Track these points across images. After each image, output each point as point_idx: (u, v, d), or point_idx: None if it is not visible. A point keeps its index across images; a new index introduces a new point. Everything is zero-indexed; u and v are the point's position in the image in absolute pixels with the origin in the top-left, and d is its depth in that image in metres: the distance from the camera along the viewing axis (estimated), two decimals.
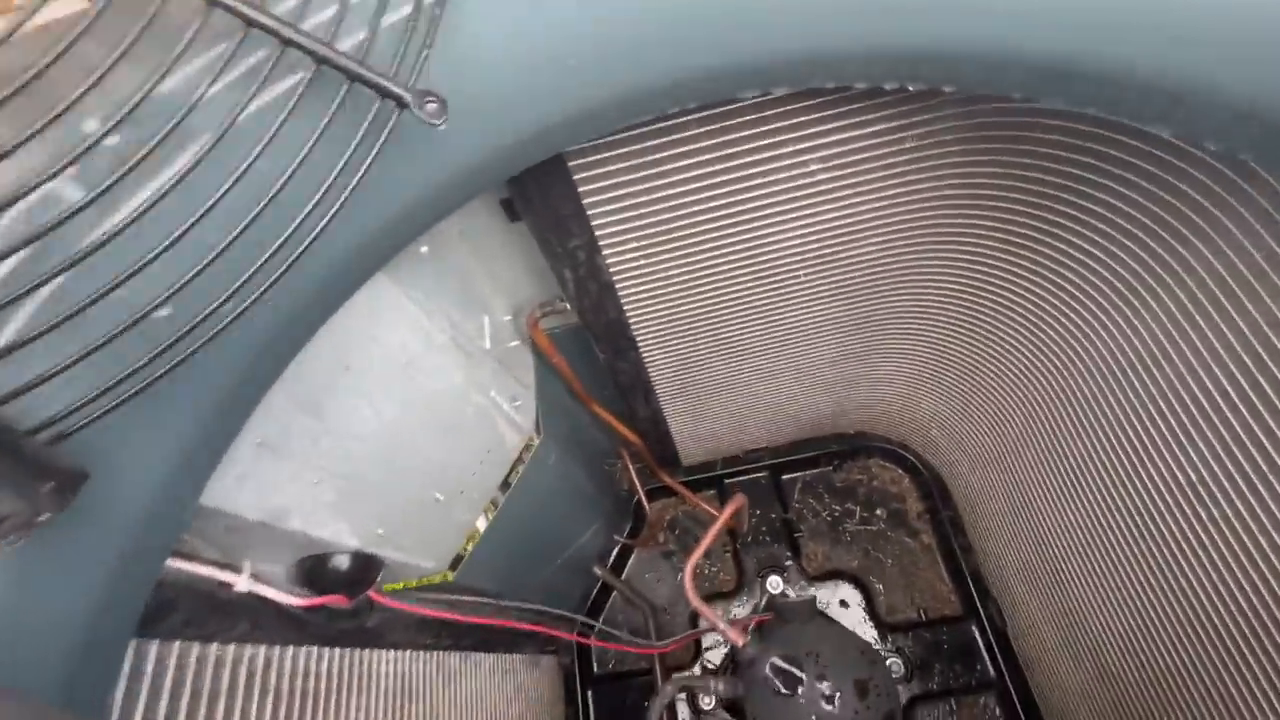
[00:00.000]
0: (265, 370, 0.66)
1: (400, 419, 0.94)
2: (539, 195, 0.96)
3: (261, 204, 0.52)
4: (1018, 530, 1.69)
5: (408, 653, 1.17)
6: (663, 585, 2.24)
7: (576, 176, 0.95)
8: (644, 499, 2.12)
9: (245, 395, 0.63)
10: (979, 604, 1.95)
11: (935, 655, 1.95)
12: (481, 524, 1.30)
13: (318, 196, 0.53)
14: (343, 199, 0.55)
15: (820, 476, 2.25)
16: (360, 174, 0.55)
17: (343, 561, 0.99)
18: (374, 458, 0.93)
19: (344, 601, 1.00)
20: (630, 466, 2.02)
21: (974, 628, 1.95)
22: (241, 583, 0.81)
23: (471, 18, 0.59)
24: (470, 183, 0.70)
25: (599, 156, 0.94)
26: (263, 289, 0.53)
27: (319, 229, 0.55)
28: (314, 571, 0.97)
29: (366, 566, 1.04)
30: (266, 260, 0.53)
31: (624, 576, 2.24)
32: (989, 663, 1.91)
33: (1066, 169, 1.01)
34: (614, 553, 2.21)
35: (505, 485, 1.40)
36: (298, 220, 0.53)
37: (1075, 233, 1.11)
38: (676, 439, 2.02)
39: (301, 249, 0.54)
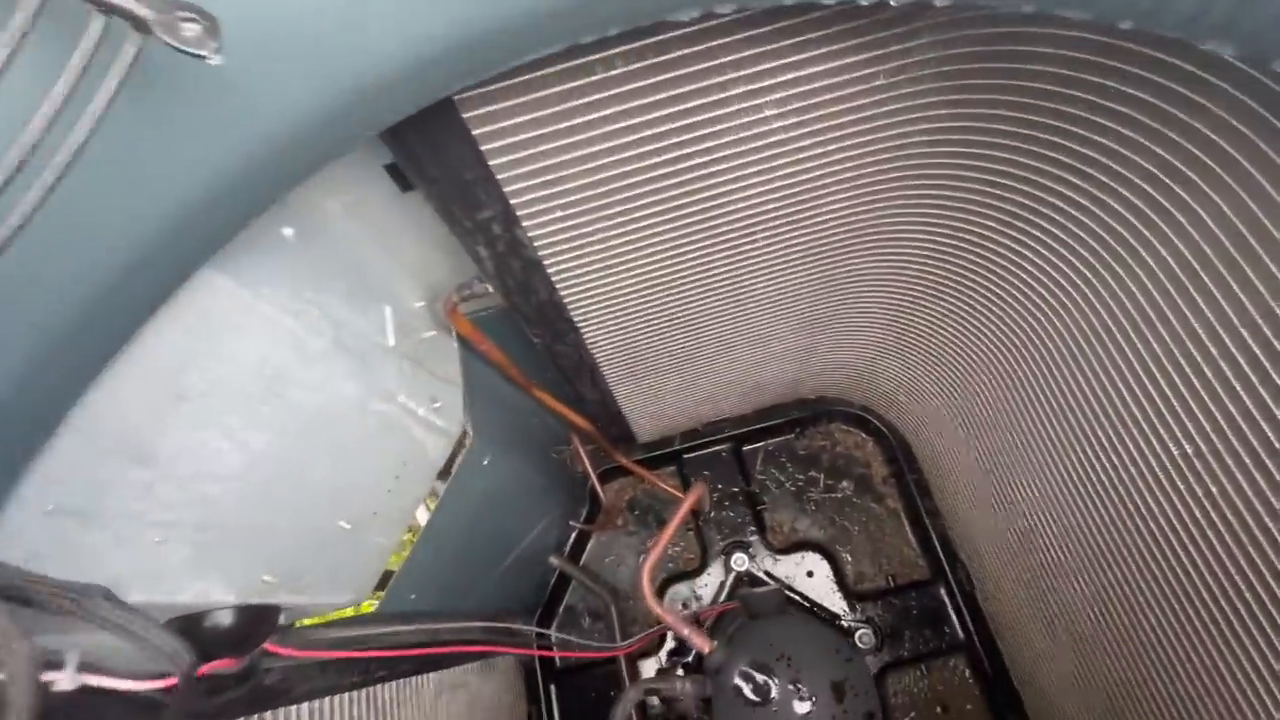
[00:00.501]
0: (20, 422, 0.47)
1: (275, 447, 0.76)
2: (432, 158, 0.77)
3: None
4: (986, 494, 1.62)
5: (327, 701, 1.02)
6: (624, 569, 2.13)
7: (476, 131, 0.76)
8: (598, 485, 1.98)
9: None
10: (947, 567, 1.90)
11: (905, 621, 1.91)
12: (407, 542, 1.14)
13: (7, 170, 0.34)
14: (56, 174, 0.35)
15: (783, 445, 2.15)
16: (85, 134, 0.36)
17: (224, 618, 0.82)
18: (243, 497, 0.74)
19: (231, 664, 0.83)
20: (582, 451, 1.87)
21: (943, 591, 1.91)
22: (65, 679, 0.63)
23: None
24: (305, 145, 0.51)
25: (503, 105, 0.74)
26: None
27: (28, 215, 0.36)
28: (187, 636, 0.79)
29: (258, 618, 0.86)
30: None
31: (583, 562, 2.11)
32: (958, 626, 1.88)
33: (1057, 106, 0.86)
34: (571, 539, 2.08)
35: (435, 494, 1.23)
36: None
37: (1062, 180, 0.98)
38: (630, 418, 1.87)
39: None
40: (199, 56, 0.35)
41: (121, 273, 0.47)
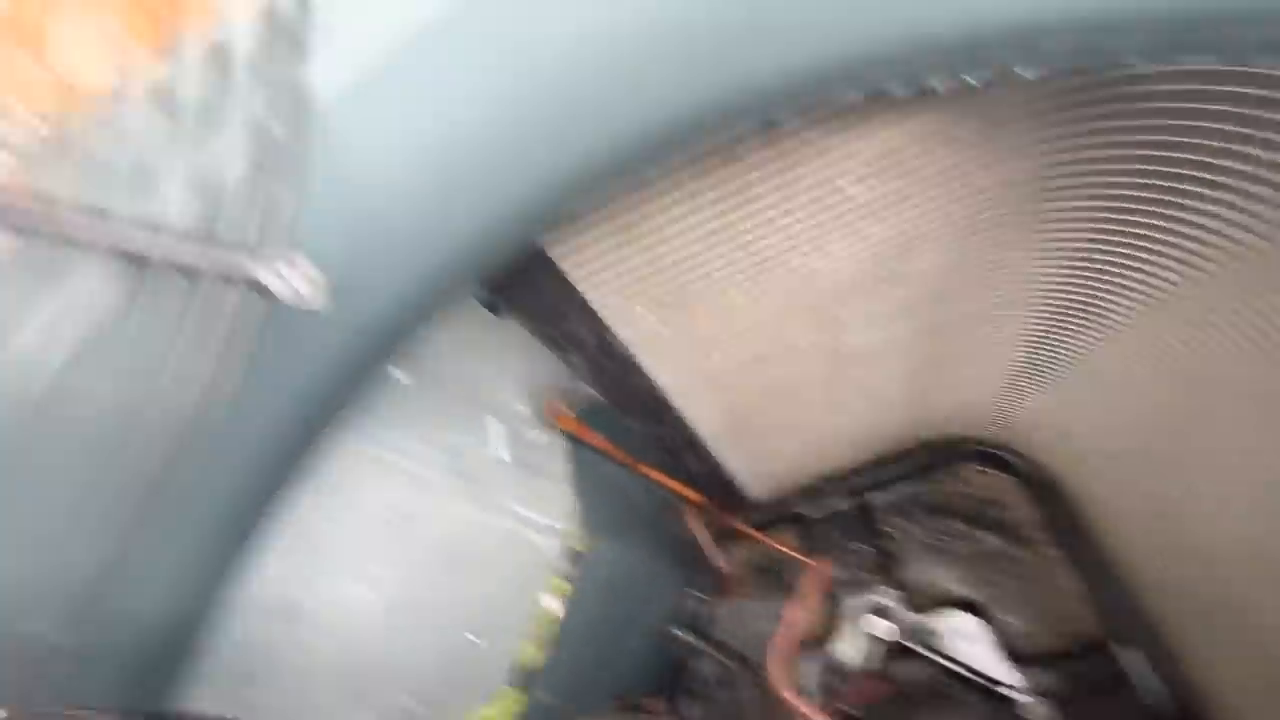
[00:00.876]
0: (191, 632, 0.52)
1: (406, 580, 0.80)
2: (521, 292, 0.81)
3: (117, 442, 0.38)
4: (1167, 541, 1.40)
5: None
6: (753, 636, 2.05)
7: (561, 263, 0.79)
8: (717, 553, 1.93)
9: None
10: (1125, 625, 1.66)
11: (1080, 690, 1.68)
12: (531, 643, 1.16)
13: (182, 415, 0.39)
14: (203, 408, 0.40)
15: (911, 494, 2.00)
16: (232, 375, 0.40)
17: None
18: (381, 632, 0.79)
19: None
20: (697, 521, 1.84)
21: (1124, 653, 1.66)
22: None
23: (349, 144, 0.43)
24: (402, 325, 0.55)
25: (584, 238, 0.77)
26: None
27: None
28: None
29: None
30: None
31: (710, 634, 2.05)
32: (1150, 696, 1.62)
33: (1181, 139, 0.77)
34: (695, 610, 2.03)
35: (558, 592, 1.25)
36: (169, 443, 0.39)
37: (1195, 195, 0.86)
38: (741, 483, 1.82)
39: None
40: (308, 307, 0.39)
41: (242, 476, 0.53)
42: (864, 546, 1.97)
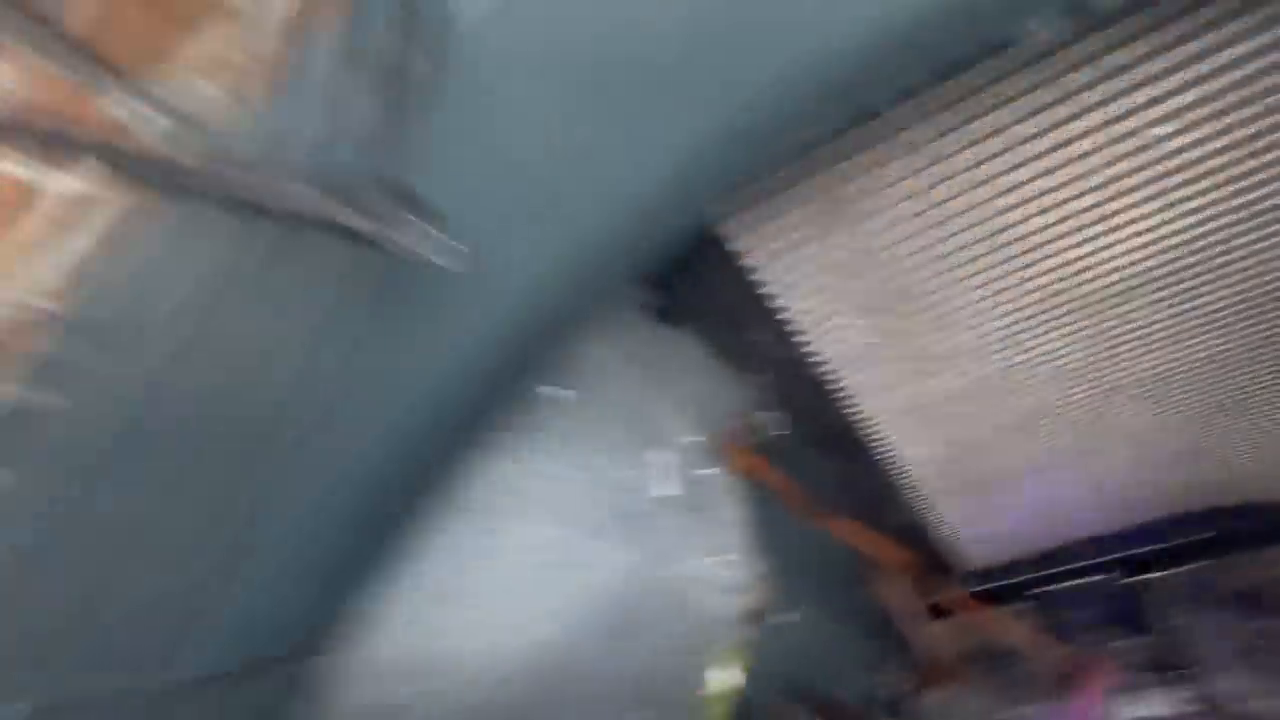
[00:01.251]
0: None
1: (558, 639, 0.67)
2: (696, 293, 0.66)
3: None
4: None
5: None
6: None
7: (731, 246, 0.63)
8: (910, 629, 1.58)
9: None
10: None
11: None
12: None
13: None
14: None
15: (1218, 573, 1.50)
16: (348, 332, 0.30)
17: None
18: (528, 692, 0.66)
19: None
20: (889, 588, 1.52)
21: None
22: None
23: (492, 76, 0.32)
24: (557, 312, 0.42)
25: (771, 222, 0.60)
26: None
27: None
28: None
29: None
30: None
31: None
32: None
33: None
34: (894, 695, 1.68)
35: (733, 660, 1.06)
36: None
37: None
38: (954, 544, 1.48)
39: None
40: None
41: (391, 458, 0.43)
42: (1134, 640, 1.50)
